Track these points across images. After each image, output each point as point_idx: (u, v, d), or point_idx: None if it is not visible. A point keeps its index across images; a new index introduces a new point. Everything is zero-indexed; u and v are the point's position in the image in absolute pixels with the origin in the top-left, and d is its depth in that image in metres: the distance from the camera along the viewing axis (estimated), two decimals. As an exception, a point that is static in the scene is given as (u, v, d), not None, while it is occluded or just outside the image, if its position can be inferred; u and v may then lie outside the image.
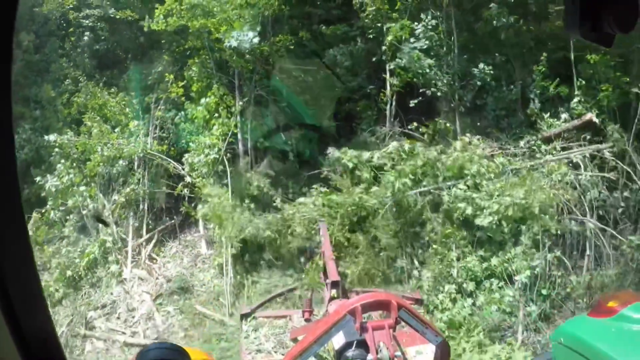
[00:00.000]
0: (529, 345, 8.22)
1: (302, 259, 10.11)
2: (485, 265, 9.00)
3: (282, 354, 5.92)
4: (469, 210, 9.31)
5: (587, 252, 9.20)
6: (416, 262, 9.62)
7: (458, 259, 9.14)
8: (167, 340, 9.36)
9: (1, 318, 1.28)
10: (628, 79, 9.95)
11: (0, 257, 1.27)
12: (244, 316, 7.54)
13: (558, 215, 9.28)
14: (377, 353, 3.80)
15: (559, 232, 9.12)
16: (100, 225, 11.55)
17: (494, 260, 8.94)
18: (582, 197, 9.47)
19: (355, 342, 3.91)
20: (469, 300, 8.71)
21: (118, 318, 9.96)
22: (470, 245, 9.34)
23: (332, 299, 5.82)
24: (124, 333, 9.55)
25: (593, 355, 3.93)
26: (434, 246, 9.44)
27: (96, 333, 9.70)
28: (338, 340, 4.06)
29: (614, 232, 9.08)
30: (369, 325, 3.86)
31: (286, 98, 12.87)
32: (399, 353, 4.19)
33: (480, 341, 7.71)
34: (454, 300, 8.66)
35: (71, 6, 14.47)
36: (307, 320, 6.50)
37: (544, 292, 8.75)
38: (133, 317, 9.88)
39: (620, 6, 1.33)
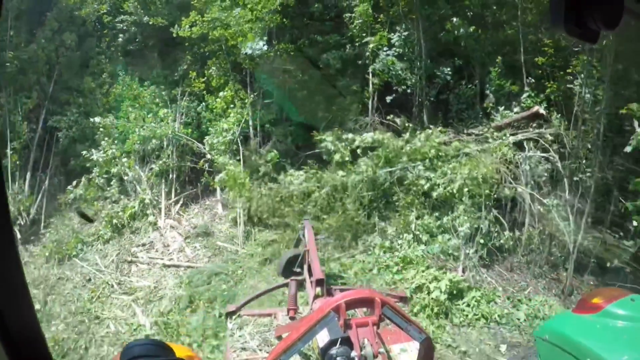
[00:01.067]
0: (465, 277, 9.40)
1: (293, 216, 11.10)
2: (438, 223, 10.34)
3: (267, 352, 5.77)
4: (427, 186, 10.67)
5: (526, 215, 10.29)
6: (384, 220, 10.96)
7: (417, 218, 10.47)
8: (194, 263, 10.73)
9: None
10: (570, 77, 10.97)
11: None
12: (229, 314, 7.38)
13: (498, 184, 10.44)
14: (360, 350, 3.78)
15: (496, 196, 10.32)
16: (138, 188, 12.70)
17: (445, 219, 10.30)
18: (520, 170, 10.61)
19: (339, 340, 3.89)
20: (422, 246, 10.05)
21: (156, 251, 11.28)
22: (428, 208, 10.64)
23: (316, 296, 5.89)
24: (162, 259, 10.93)
25: (578, 352, 4.00)
26: (399, 210, 10.81)
27: (140, 259, 11.08)
28: (322, 338, 4.06)
29: (539, 197, 10.24)
30: (352, 322, 3.83)
31: (283, 96, 13.98)
32: (382, 350, 4.14)
33: (424, 270, 9.19)
34: (410, 245, 10.09)
35: (105, 11, 15.67)
36: (291, 318, 6.33)
37: (482, 241, 9.97)
38: (168, 250, 11.24)
39: (605, 3, 1.37)
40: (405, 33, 13.08)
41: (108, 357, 8.63)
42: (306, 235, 7.72)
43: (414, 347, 4.67)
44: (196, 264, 10.78)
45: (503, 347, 8.08)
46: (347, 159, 11.82)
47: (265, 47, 13.11)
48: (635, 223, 9.15)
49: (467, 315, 8.75)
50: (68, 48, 14.94)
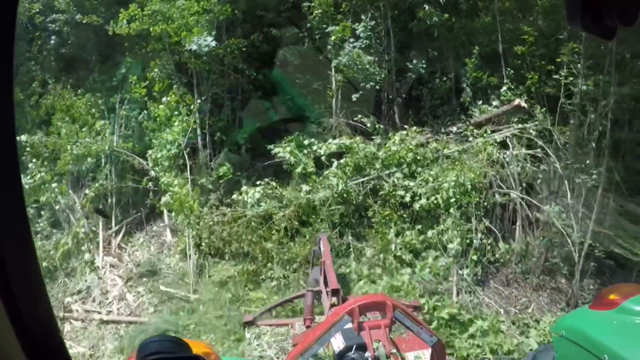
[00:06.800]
0: (462, 305, 9.12)
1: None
2: (422, 237, 9.86)
3: None
4: (407, 198, 10.22)
5: (518, 222, 10.16)
6: (360, 240, 10.39)
7: (397, 235, 9.99)
8: (137, 317, 9.89)
9: (2, 310, 1.29)
10: (553, 67, 10.76)
11: (2, 250, 1.27)
12: (247, 324, 7.90)
13: (487, 189, 10.17)
14: (374, 351, 4.01)
15: (486, 204, 10.05)
16: (72, 219, 11.72)
17: (429, 233, 9.81)
18: (508, 172, 10.36)
19: (354, 346, 4.20)
20: (408, 269, 9.46)
21: (93, 301, 10.38)
22: (408, 222, 10.20)
23: (332, 306, 6.16)
24: (100, 312, 10.05)
25: (594, 348, 4.01)
26: (375, 226, 10.27)
27: (74, 314, 10.12)
28: (338, 344, 4.37)
29: (536, 202, 10.02)
30: (365, 324, 4.07)
31: (235, 99, 13.46)
32: (394, 351, 4.37)
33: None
34: (392, 270, 9.47)
35: (37, 10, 14.33)
36: (308, 327, 6.66)
37: (474, 258, 9.60)
38: (107, 298, 10.38)
39: None
40: (372, 23, 12.55)
41: None
42: (322, 248, 8.11)
43: (428, 354, 4.82)
44: (139, 317, 9.93)
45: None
46: (310, 169, 11.15)
47: (214, 43, 12.20)
48: None
49: (472, 351, 8.39)
50: (-6, 56, 13.51)
